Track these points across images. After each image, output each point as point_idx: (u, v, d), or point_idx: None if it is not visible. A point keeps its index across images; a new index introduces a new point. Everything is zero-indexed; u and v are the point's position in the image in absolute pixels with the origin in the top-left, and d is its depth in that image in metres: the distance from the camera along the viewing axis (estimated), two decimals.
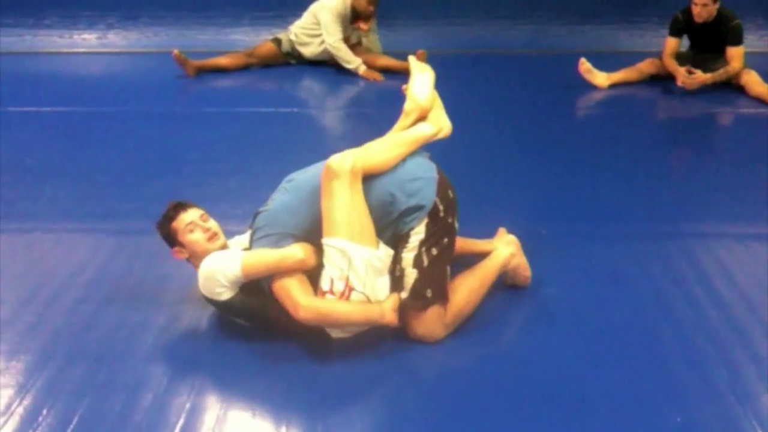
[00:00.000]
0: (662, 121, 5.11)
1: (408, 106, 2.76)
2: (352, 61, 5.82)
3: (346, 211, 2.39)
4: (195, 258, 2.55)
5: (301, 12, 6.00)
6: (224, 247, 2.60)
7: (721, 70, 5.17)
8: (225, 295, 2.45)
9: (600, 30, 6.67)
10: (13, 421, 2.18)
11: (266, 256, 2.43)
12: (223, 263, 2.44)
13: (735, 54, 5.19)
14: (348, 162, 2.41)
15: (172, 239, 2.59)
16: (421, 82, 2.79)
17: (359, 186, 2.43)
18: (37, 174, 3.94)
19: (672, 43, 5.39)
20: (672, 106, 5.20)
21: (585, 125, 4.94)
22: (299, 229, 2.48)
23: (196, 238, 2.55)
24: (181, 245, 2.57)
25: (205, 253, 2.53)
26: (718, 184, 3.79)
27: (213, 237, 2.57)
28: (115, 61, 6.47)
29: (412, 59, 2.92)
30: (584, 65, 5.38)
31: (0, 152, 4.22)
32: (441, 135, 2.72)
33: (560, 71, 5.63)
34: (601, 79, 5.39)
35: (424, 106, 2.74)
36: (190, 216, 2.58)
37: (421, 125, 2.69)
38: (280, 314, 2.41)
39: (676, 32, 5.38)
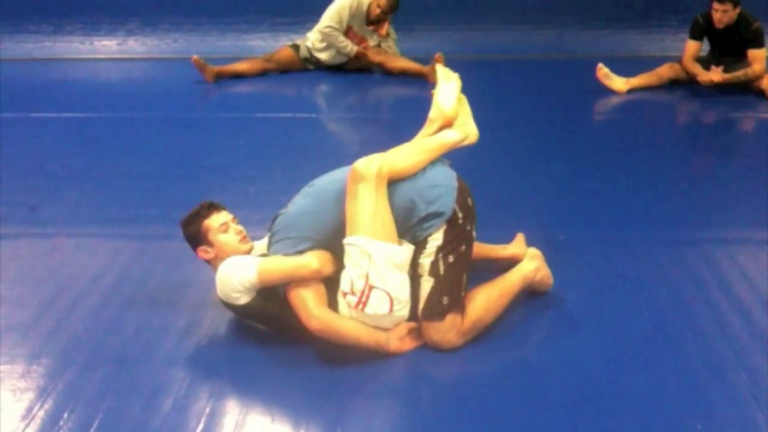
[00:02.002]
0: (682, 126, 5.08)
1: (433, 113, 2.77)
2: (346, 44, 5.90)
3: (369, 213, 2.39)
4: (221, 260, 2.54)
5: (317, 17, 6.01)
6: (251, 250, 2.62)
7: (741, 72, 5.14)
8: (242, 299, 2.46)
9: (618, 35, 6.64)
10: (34, 425, 2.20)
11: (282, 265, 2.44)
12: (240, 269, 2.45)
13: (757, 56, 5.16)
14: (374, 166, 2.43)
15: (200, 238, 2.59)
16: (447, 90, 2.80)
17: (384, 190, 2.44)
18: (59, 179, 3.97)
19: (693, 47, 5.36)
20: (691, 111, 5.17)
21: (604, 130, 4.91)
22: (318, 232, 2.49)
23: (228, 238, 2.57)
24: (210, 245, 2.58)
25: (235, 254, 2.55)
26: (738, 189, 3.77)
27: (244, 239, 2.60)
28: (135, 68, 6.52)
29: (439, 67, 2.92)
30: (602, 70, 5.37)
31: (22, 158, 4.27)
32: (467, 142, 2.71)
33: (579, 76, 5.61)
34: (619, 84, 5.37)
35: (449, 115, 2.75)
36: (224, 217, 2.61)
37: (447, 131, 2.69)
38: (296, 320, 2.42)
39: (696, 35, 5.35)
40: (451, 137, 2.66)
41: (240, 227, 2.63)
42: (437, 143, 2.63)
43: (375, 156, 2.49)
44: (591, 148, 4.42)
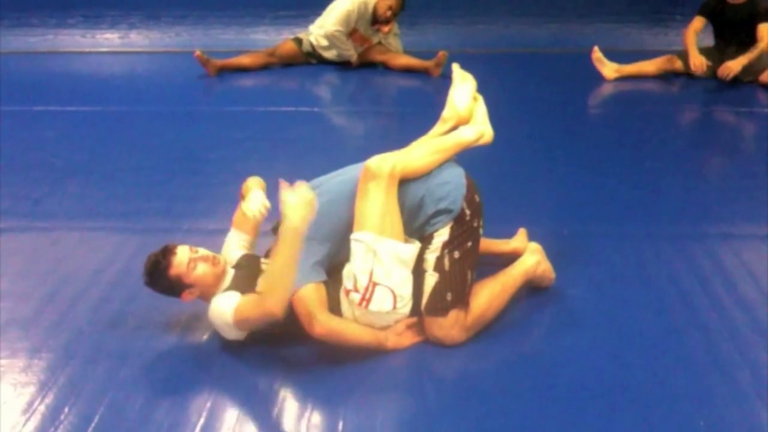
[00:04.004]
0: (685, 119, 5.06)
1: (446, 113, 2.76)
2: (348, 50, 5.88)
3: (378, 211, 2.39)
4: (207, 292, 2.47)
5: (320, 11, 6.00)
6: (225, 265, 2.53)
7: (754, 49, 5.09)
8: (243, 335, 2.42)
9: (624, 29, 6.61)
10: (35, 419, 2.19)
11: (252, 308, 2.32)
12: (224, 321, 2.37)
13: (767, 31, 5.12)
14: (387, 165, 2.42)
15: (177, 286, 2.45)
16: (462, 90, 2.78)
17: (395, 190, 2.43)
18: (61, 173, 3.97)
19: (698, 21, 5.35)
20: (696, 105, 5.15)
21: (608, 124, 4.89)
22: (331, 235, 2.47)
23: (202, 270, 2.44)
24: (191, 286, 2.45)
25: (216, 280, 2.47)
26: (742, 183, 3.75)
27: (214, 261, 2.48)
28: (138, 61, 6.51)
29: (455, 68, 2.90)
30: (596, 53, 5.46)
31: (24, 151, 4.27)
32: (482, 142, 2.68)
33: (583, 70, 5.58)
34: (609, 70, 5.45)
35: (463, 115, 2.73)
36: (185, 254, 2.45)
37: (462, 129, 2.67)
38: (298, 324, 2.40)
39: (705, 13, 5.33)
40: (466, 136, 2.64)
41: (202, 252, 2.50)
42: (452, 142, 2.61)
43: (388, 155, 2.47)
44: (595, 142, 4.40)
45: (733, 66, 5.08)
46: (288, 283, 2.24)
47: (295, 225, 2.21)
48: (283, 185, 2.26)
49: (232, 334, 2.41)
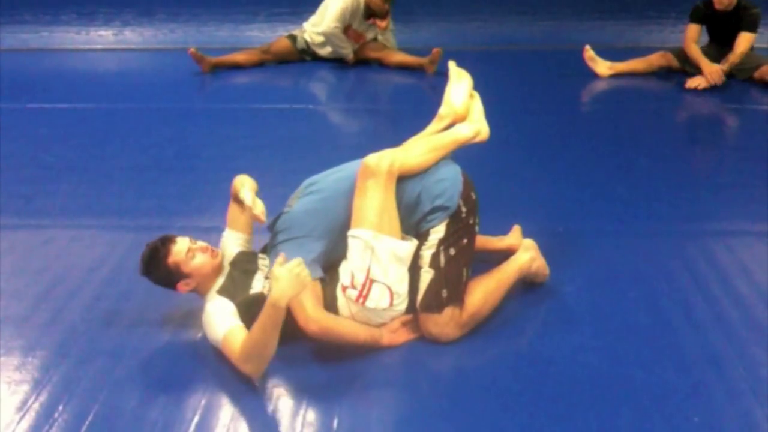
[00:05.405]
0: (681, 117, 5.07)
1: (443, 110, 2.77)
2: (346, 48, 5.88)
3: (377, 208, 2.39)
4: (204, 284, 2.48)
5: (315, 8, 5.99)
6: (223, 258, 2.55)
7: (725, 62, 5.10)
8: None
9: (618, 26, 6.62)
10: (29, 417, 2.19)
11: (236, 353, 2.26)
12: (214, 338, 2.35)
13: (744, 39, 5.11)
14: (386, 162, 2.42)
15: (175, 275, 2.45)
16: (459, 88, 2.78)
17: (393, 187, 2.43)
18: (55, 170, 3.96)
19: (693, 29, 5.33)
20: (691, 102, 5.15)
21: (603, 121, 4.89)
22: (327, 232, 2.48)
23: (201, 260, 2.45)
24: (188, 276, 2.45)
25: (213, 272, 2.48)
26: (737, 181, 3.75)
27: (213, 253, 2.49)
28: (132, 58, 6.50)
29: (452, 65, 2.89)
30: (588, 53, 5.48)
31: (18, 149, 4.25)
32: (478, 139, 2.70)
33: (578, 67, 5.59)
34: (603, 68, 5.47)
35: (459, 113, 2.74)
36: (184, 244, 2.46)
37: (459, 127, 2.68)
38: (293, 323, 2.39)
39: (697, 19, 5.33)
40: (463, 133, 2.65)
41: (201, 243, 2.50)
42: (449, 140, 2.62)
43: (387, 152, 2.47)
44: (589, 138, 4.40)
45: (719, 72, 5.09)
46: (265, 354, 2.20)
47: (276, 300, 2.13)
48: (279, 260, 2.18)
49: (215, 345, 2.38)
